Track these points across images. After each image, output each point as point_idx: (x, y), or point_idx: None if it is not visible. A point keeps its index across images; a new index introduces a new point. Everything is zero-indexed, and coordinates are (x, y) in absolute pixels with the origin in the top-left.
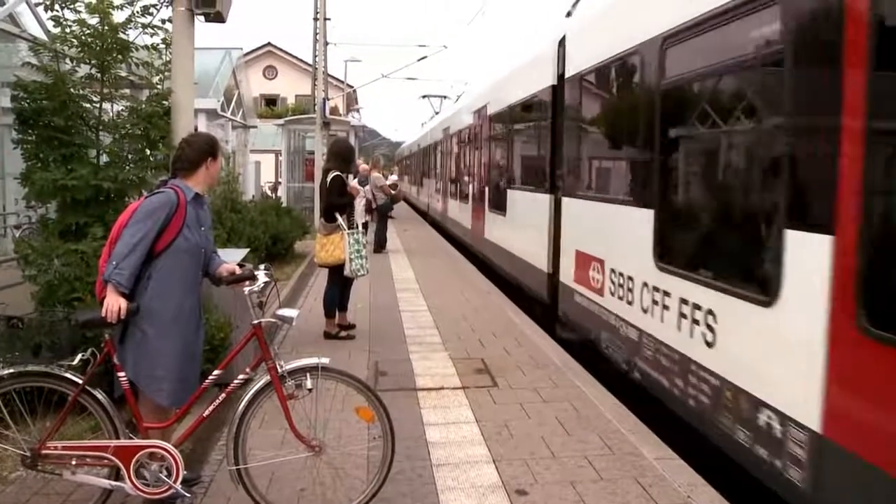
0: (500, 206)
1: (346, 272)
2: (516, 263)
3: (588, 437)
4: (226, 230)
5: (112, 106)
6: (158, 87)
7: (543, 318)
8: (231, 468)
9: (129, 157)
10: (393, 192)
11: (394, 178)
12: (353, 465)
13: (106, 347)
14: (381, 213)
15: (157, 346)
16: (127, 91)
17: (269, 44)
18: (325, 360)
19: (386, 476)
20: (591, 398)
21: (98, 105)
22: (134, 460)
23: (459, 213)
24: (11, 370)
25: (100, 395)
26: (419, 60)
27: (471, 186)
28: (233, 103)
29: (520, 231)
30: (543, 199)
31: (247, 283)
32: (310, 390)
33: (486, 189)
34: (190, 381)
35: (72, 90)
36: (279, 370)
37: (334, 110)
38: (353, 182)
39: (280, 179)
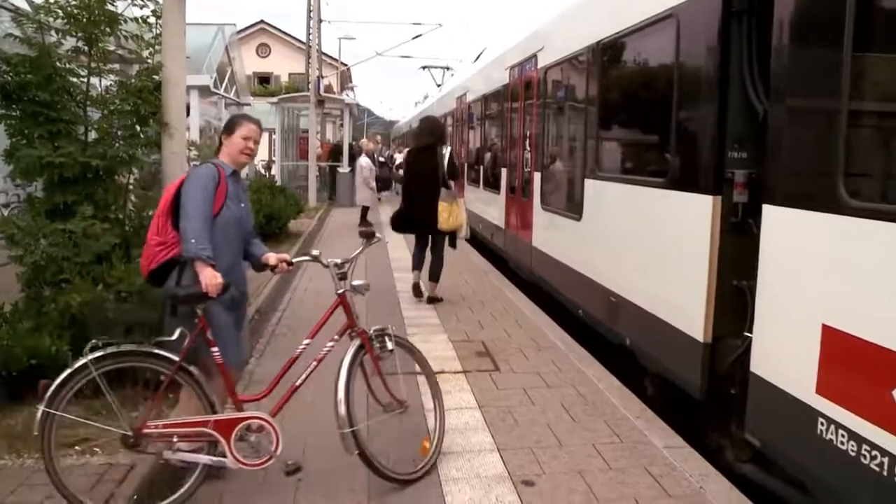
0: (566, 203)
1: (465, 234)
2: (605, 300)
3: (595, 425)
4: None
5: (100, 81)
6: (149, 61)
7: (664, 404)
8: (346, 430)
9: (119, 133)
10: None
11: (401, 157)
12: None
13: (200, 323)
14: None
15: (214, 310)
16: (116, 66)
17: (262, 21)
18: (391, 327)
19: (439, 448)
20: (596, 382)
21: (86, 80)
22: (234, 434)
23: (484, 204)
24: (112, 349)
25: (195, 371)
26: (414, 38)
27: (504, 170)
28: (226, 80)
29: (618, 251)
30: (693, 205)
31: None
32: (391, 351)
33: (536, 176)
34: (244, 342)
35: (58, 63)
36: (368, 333)
37: (328, 88)
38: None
39: (274, 158)
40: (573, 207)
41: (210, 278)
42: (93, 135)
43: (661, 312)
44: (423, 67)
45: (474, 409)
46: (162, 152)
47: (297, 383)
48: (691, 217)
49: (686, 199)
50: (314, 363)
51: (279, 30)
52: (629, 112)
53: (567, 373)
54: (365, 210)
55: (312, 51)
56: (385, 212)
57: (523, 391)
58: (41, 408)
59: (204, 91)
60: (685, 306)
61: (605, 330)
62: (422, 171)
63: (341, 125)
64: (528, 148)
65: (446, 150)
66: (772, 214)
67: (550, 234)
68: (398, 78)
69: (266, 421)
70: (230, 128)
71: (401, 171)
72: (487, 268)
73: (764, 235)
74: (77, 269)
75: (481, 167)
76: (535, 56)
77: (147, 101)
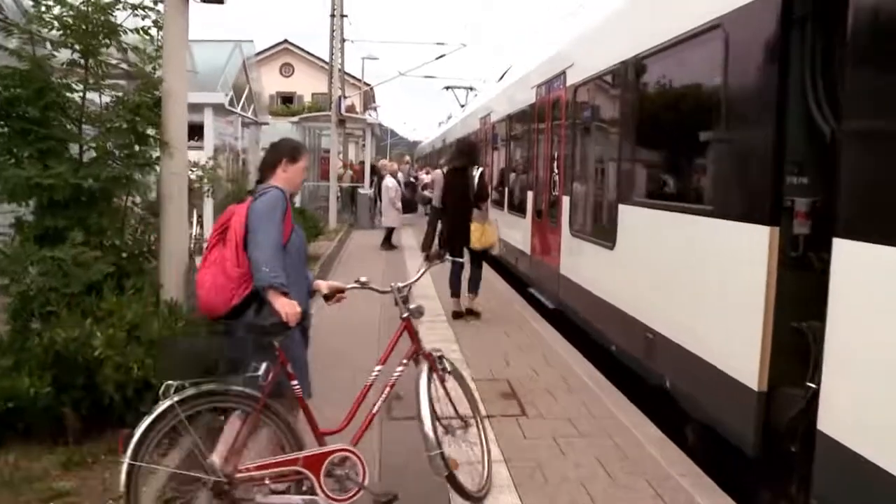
0: (597, 230)
1: (497, 251)
2: (642, 337)
3: (635, 483)
4: None
5: (100, 96)
6: (152, 75)
7: (707, 453)
8: (434, 453)
9: (116, 152)
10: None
11: (428, 177)
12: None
13: (280, 357)
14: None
15: (288, 342)
16: (121, 82)
17: (285, 41)
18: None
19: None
20: (633, 431)
21: (82, 95)
22: (323, 469)
23: (508, 228)
24: (195, 391)
25: (279, 407)
26: (438, 58)
27: (530, 193)
28: (243, 98)
29: (657, 284)
30: (747, 236)
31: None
32: (450, 372)
33: (564, 199)
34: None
35: (52, 78)
36: (434, 355)
37: (351, 108)
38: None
39: None
40: (606, 235)
41: (288, 307)
42: (91, 154)
43: (708, 355)
44: (447, 88)
45: (500, 463)
46: (161, 172)
47: (374, 410)
48: (745, 249)
49: (738, 230)
50: (387, 389)
51: (302, 49)
52: (671, 132)
53: (601, 419)
54: (390, 231)
55: (334, 70)
56: (407, 234)
57: (553, 440)
58: (126, 461)
59: (219, 109)
60: (737, 349)
61: (641, 368)
62: (455, 190)
63: (363, 145)
64: (556, 170)
65: (476, 172)
66: (845, 249)
67: (580, 262)
68: (422, 98)
69: (351, 452)
70: (295, 155)
71: (426, 192)
72: (512, 294)
73: (835, 273)
74: (65, 300)
75: (505, 189)
76: (563, 73)
77: (145, 118)
